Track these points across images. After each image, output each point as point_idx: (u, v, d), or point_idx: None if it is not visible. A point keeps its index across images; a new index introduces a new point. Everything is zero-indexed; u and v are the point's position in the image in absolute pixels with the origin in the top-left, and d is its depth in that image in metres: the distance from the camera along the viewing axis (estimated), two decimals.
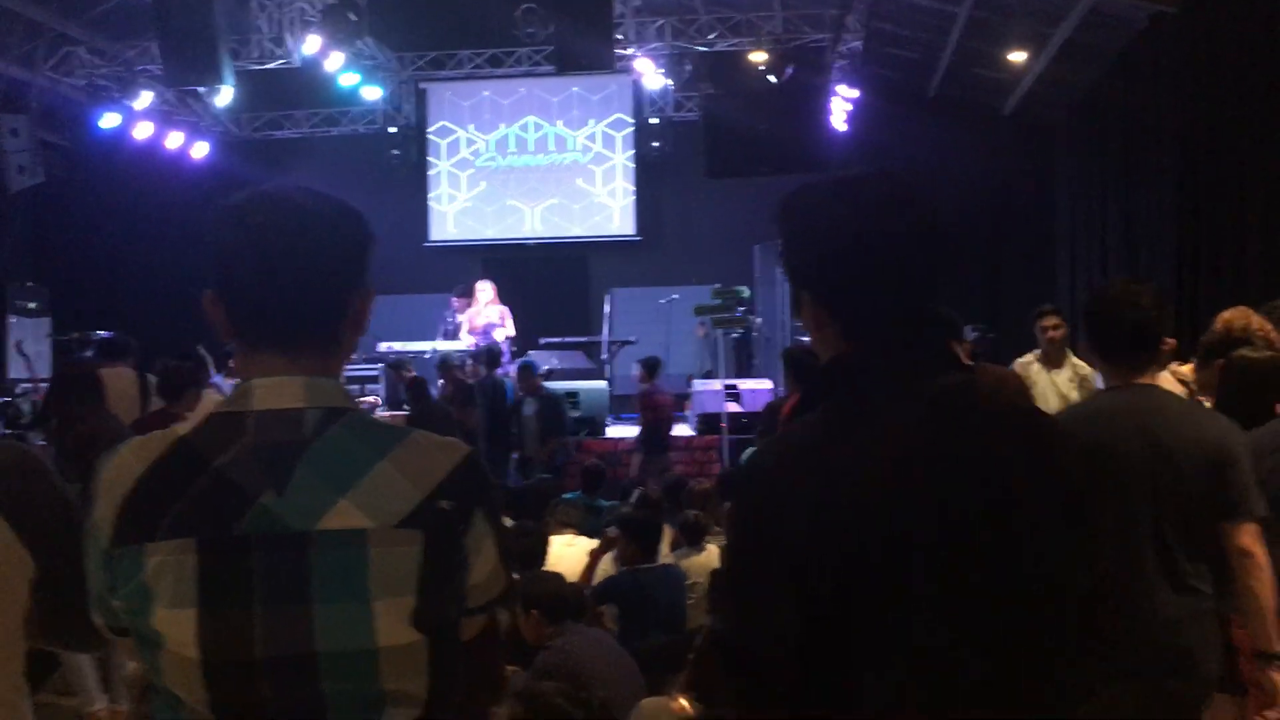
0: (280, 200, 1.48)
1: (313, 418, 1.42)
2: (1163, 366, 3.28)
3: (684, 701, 3.23)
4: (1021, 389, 3.86)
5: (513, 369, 11.14)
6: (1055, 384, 6.41)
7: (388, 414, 10.73)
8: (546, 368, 11.42)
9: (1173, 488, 2.73)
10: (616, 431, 12.00)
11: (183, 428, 1.45)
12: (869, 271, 1.54)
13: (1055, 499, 1.49)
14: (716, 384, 11.63)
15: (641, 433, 10.39)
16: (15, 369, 12.15)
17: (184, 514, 1.37)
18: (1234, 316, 3.97)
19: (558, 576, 4.71)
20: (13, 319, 13.00)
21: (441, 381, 10.69)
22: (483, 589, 1.50)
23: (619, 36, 12.15)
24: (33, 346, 12.48)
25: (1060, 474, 1.51)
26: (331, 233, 1.47)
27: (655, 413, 10.27)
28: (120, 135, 13.35)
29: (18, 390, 11.75)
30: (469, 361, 11.22)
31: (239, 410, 1.43)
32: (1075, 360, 6.43)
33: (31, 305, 13.39)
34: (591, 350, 13.08)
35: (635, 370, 10.69)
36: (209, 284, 1.48)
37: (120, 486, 1.40)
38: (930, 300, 1.59)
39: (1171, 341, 2.90)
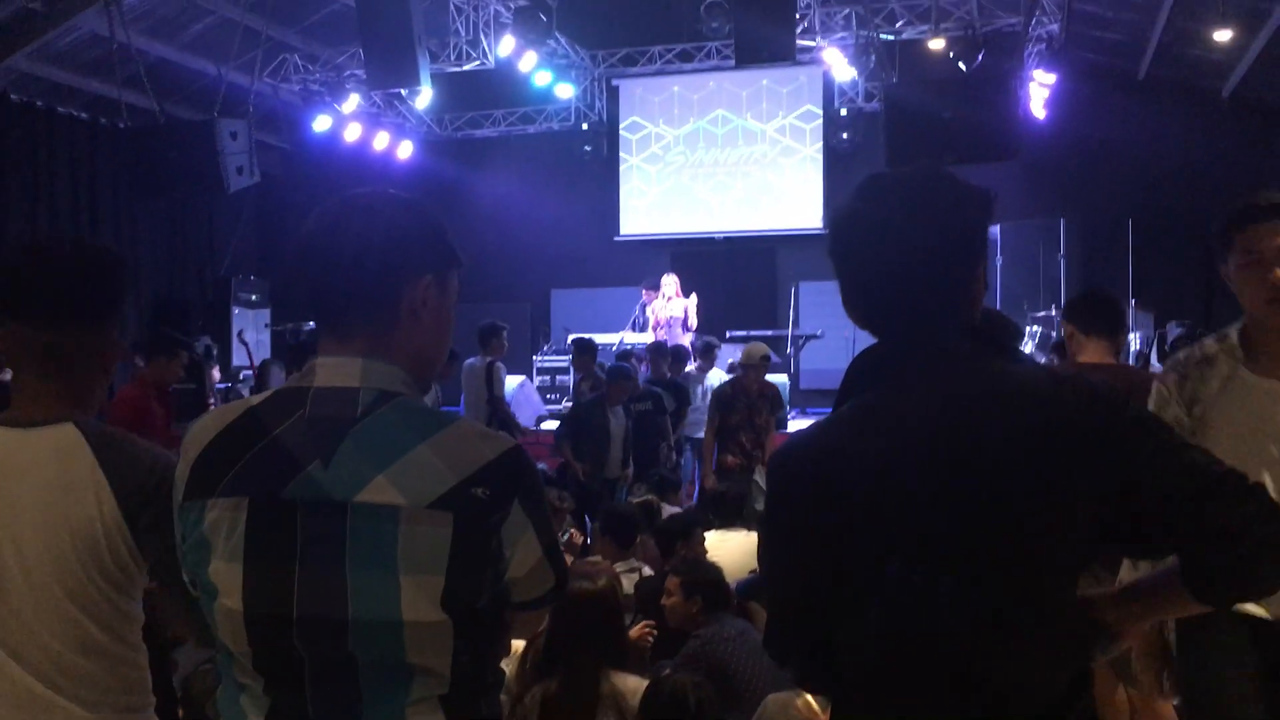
0: (337, 202, 1.58)
1: (365, 398, 1.51)
2: None
3: (809, 697, 3.20)
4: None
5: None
6: None
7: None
8: (731, 360, 11.40)
9: None
10: (798, 425, 11.90)
11: (256, 398, 1.56)
12: (884, 267, 1.59)
13: (1052, 458, 1.48)
14: None
15: None
16: (239, 357, 13.12)
17: (242, 475, 1.48)
18: None
19: (718, 568, 4.75)
20: (236, 310, 14.01)
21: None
22: (527, 584, 1.53)
23: (805, 26, 12.02)
24: (252, 336, 13.46)
25: (1065, 429, 1.49)
26: (374, 225, 1.54)
27: None
28: (332, 137, 14.09)
29: (240, 377, 12.69)
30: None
31: (303, 386, 1.54)
32: None
33: (253, 298, 14.38)
34: (777, 344, 13.01)
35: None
36: None
37: (196, 446, 1.54)
38: (960, 294, 1.61)
39: None
